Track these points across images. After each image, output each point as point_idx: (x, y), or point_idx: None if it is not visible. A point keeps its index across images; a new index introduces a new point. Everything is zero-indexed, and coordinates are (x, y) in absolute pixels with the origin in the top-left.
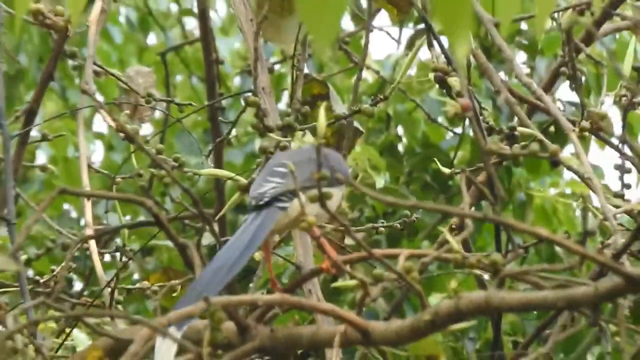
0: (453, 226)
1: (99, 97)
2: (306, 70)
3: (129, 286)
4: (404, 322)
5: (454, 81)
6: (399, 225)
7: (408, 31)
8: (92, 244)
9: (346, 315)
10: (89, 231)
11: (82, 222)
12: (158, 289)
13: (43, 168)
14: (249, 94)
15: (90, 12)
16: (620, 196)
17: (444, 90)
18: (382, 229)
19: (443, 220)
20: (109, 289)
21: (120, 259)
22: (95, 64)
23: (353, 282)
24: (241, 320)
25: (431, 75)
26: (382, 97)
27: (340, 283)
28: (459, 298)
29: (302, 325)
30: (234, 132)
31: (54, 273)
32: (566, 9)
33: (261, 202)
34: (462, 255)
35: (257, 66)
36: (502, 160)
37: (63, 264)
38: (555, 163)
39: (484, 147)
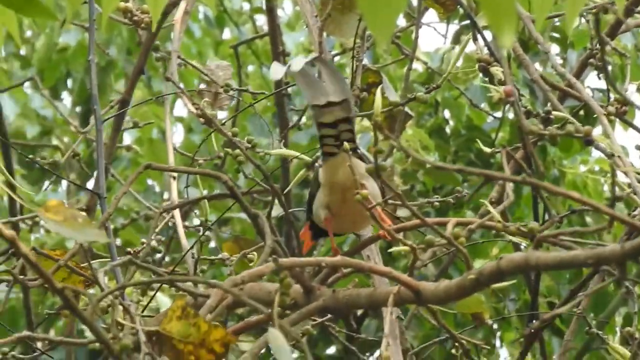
0: (492, 200)
1: (181, 86)
2: (363, 61)
3: (210, 257)
4: (452, 281)
5: (496, 70)
6: (451, 200)
7: (453, 27)
8: (177, 215)
9: (400, 276)
10: (171, 203)
11: (165, 196)
12: (235, 259)
13: (128, 148)
14: None
15: (175, 13)
16: None
17: (487, 79)
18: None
19: (483, 192)
20: (193, 259)
21: (203, 232)
22: (178, 57)
23: (406, 248)
24: (306, 282)
25: (476, 66)
26: (435, 86)
27: (394, 249)
28: (501, 259)
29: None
30: (300, 117)
31: (143, 245)
32: (593, 7)
33: None
34: (503, 224)
35: None
36: (538, 141)
37: (150, 234)
38: (588, 142)
39: (525, 128)
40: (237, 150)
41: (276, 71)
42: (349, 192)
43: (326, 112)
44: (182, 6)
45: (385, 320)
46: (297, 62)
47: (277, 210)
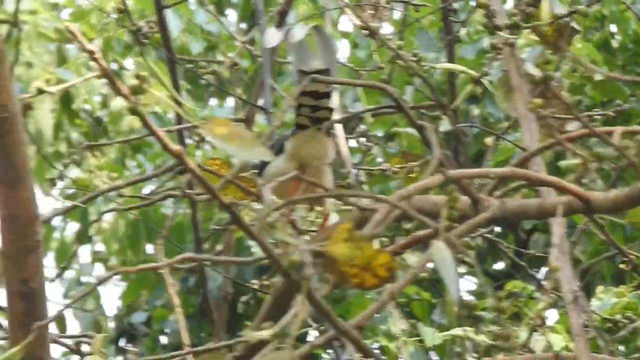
0: None
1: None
2: None
3: (372, 168)
4: (621, 190)
5: None
6: (611, 113)
7: None
8: (339, 128)
9: (569, 186)
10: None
11: None
12: (398, 170)
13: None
14: None
15: None
16: None
17: None
18: (598, 116)
19: None
20: (357, 174)
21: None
22: None
23: (575, 161)
24: (474, 193)
25: None
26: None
27: (563, 162)
28: None
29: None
30: (465, 30)
31: None
32: None
33: None
34: None
35: None
36: None
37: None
38: None
39: None
40: (409, 63)
41: (272, 37)
42: (308, 170)
43: (307, 80)
44: None
45: (554, 231)
46: (298, 32)
47: (444, 125)
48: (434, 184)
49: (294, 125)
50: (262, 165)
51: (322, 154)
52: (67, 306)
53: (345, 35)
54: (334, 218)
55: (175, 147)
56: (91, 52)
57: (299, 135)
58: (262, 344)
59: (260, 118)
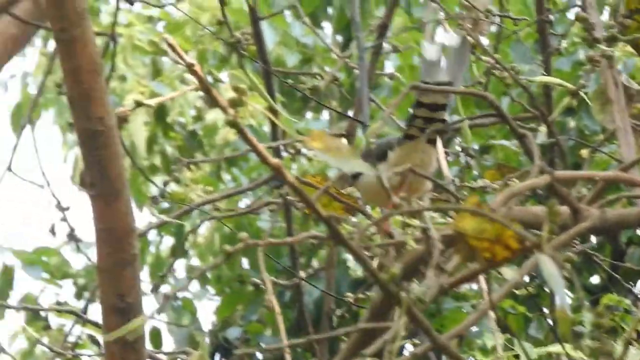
0: None
1: (441, 13)
2: None
3: (471, 184)
4: None
5: None
6: None
7: None
8: (439, 143)
9: None
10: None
11: None
12: (498, 187)
13: (391, 76)
14: (577, 9)
15: None
16: None
17: None
18: None
19: None
20: (454, 185)
21: (465, 159)
22: None
23: None
24: (574, 203)
25: None
26: None
27: None
28: None
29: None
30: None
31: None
32: None
33: None
34: None
35: None
36: None
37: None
38: None
39: None
40: (504, 73)
41: (429, 51)
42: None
43: (429, 93)
44: None
45: None
46: (450, 38)
47: (541, 138)
48: (540, 184)
49: (402, 135)
50: (358, 174)
51: (427, 164)
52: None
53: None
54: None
55: (274, 160)
56: (190, 65)
57: (406, 145)
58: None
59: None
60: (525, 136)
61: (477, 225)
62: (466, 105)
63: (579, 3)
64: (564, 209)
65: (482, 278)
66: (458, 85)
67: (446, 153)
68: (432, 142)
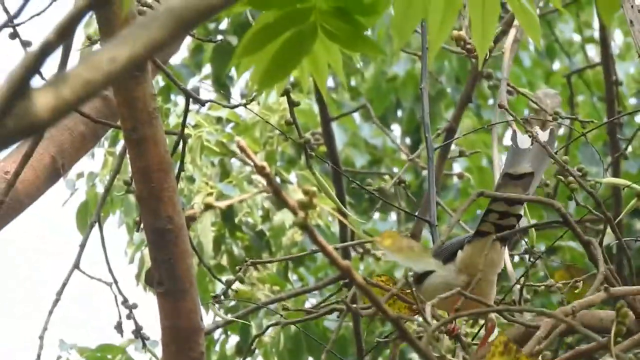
0: None
1: (509, 116)
2: None
3: (536, 284)
4: None
5: None
6: None
7: None
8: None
9: None
10: None
11: None
12: (562, 286)
13: (460, 175)
14: None
15: (504, 41)
16: None
17: None
18: None
19: None
20: (519, 286)
21: (529, 258)
22: (508, 84)
23: None
24: (639, 309)
25: None
26: None
27: None
28: None
29: None
30: (630, 147)
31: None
32: None
33: None
34: None
35: None
36: None
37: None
38: None
39: None
40: (570, 178)
41: (520, 139)
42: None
43: (510, 185)
44: (511, 34)
45: None
46: (544, 135)
47: (608, 239)
48: (597, 301)
49: (475, 232)
50: (424, 273)
51: (497, 264)
52: None
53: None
54: (496, 332)
55: (344, 262)
56: (262, 168)
57: (478, 243)
58: None
59: (426, 233)
60: (591, 243)
61: None
62: (533, 207)
63: None
64: (630, 315)
65: None
66: (539, 177)
67: (511, 255)
68: (503, 240)
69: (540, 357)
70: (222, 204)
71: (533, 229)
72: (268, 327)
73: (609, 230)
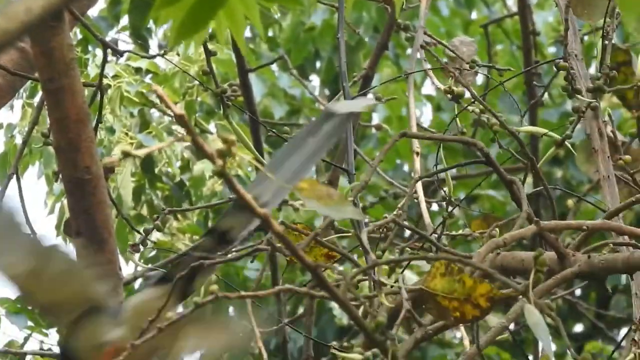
0: None
1: (427, 64)
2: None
3: (453, 232)
4: None
5: None
6: None
7: None
8: (420, 191)
9: None
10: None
11: (413, 175)
12: (479, 235)
13: (378, 127)
14: (561, 60)
15: None
16: None
17: None
18: None
19: None
20: (436, 235)
21: (447, 207)
22: (425, 33)
23: None
24: (561, 248)
25: None
26: None
27: None
28: None
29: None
30: (550, 96)
31: (387, 220)
32: None
33: None
34: None
35: (568, 35)
36: None
37: (395, 212)
38: None
39: None
40: (493, 120)
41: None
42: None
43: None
44: None
45: (636, 281)
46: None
47: (528, 189)
48: (528, 234)
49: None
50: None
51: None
52: None
53: (428, 98)
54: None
55: (261, 210)
56: (179, 116)
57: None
58: None
59: (343, 181)
60: (514, 182)
61: (447, 285)
62: (453, 155)
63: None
64: (551, 255)
65: (463, 327)
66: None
67: (429, 203)
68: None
69: None
70: (140, 152)
71: (449, 177)
72: (186, 271)
73: (530, 181)
